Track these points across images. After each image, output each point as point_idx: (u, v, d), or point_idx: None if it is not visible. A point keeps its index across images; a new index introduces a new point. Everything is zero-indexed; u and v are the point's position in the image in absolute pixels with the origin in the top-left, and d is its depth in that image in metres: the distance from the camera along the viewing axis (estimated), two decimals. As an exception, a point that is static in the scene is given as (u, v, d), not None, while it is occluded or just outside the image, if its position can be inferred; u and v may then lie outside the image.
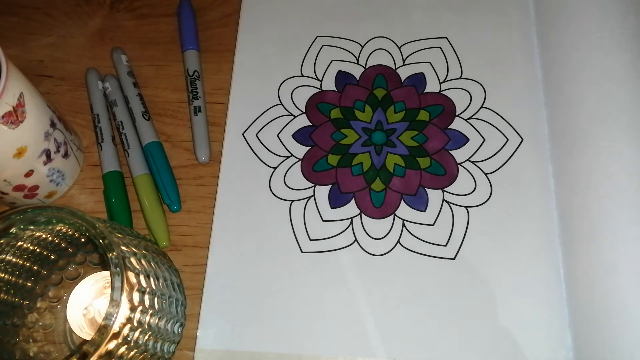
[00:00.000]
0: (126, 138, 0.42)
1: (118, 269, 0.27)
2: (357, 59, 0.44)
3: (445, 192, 0.39)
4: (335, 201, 0.39)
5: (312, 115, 0.42)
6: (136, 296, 0.29)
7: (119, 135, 0.43)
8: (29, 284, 0.35)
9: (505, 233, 0.38)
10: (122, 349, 0.28)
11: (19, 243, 0.32)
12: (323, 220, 0.39)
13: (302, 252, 0.38)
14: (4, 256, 0.32)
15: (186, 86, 0.44)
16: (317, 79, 0.44)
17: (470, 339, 0.35)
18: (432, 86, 0.43)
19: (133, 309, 0.29)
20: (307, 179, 0.40)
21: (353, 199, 0.39)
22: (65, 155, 0.40)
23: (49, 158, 0.38)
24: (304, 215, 0.39)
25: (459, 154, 0.40)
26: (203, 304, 0.37)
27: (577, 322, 0.34)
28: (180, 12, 0.47)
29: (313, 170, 0.41)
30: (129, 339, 0.29)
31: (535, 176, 0.39)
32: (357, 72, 0.44)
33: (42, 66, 0.46)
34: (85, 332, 0.35)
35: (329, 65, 0.44)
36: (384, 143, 0.41)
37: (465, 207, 0.39)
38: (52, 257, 0.36)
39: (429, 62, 0.43)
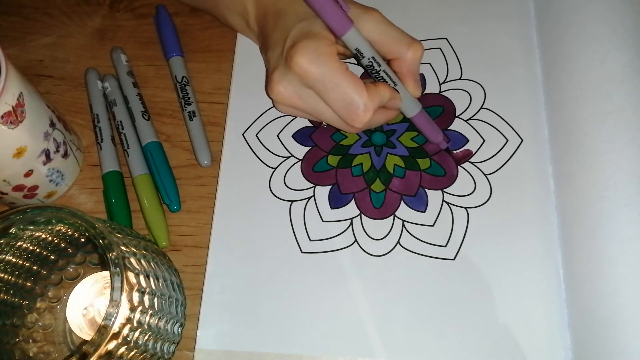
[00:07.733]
0: (126, 138, 0.42)
1: (118, 269, 0.27)
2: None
3: (445, 193, 0.39)
4: (335, 202, 0.39)
5: (312, 115, 0.42)
6: (136, 296, 0.29)
7: (119, 135, 0.43)
8: (29, 284, 0.35)
9: (505, 234, 0.38)
10: (122, 349, 0.28)
11: (19, 243, 0.32)
12: (323, 221, 0.39)
13: (302, 252, 0.38)
14: (3, 256, 0.32)
15: (177, 93, 0.44)
16: (317, 80, 0.44)
17: (470, 340, 0.35)
18: (431, 87, 0.43)
19: (133, 309, 0.29)
20: (307, 180, 0.40)
21: (353, 200, 0.39)
22: (65, 155, 0.40)
23: (48, 158, 0.38)
24: (304, 216, 0.39)
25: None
26: (203, 304, 0.37)
27: (577, 322, 0.34)
28: (158, 19, 0.46)
29: (313, 170, 0.41)
30: (128, 339, 0.29)
31: (535, 177, 0.39)
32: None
33: (41, 66, 0.46)
34: (85, 332, 0.35)
35: (329, 65, 0.44)
36: (383, 144, 0.41)
37: (465, 207, 0.39)
38: (52, 257, 0.35)
39: (429, 63, 0.43)
